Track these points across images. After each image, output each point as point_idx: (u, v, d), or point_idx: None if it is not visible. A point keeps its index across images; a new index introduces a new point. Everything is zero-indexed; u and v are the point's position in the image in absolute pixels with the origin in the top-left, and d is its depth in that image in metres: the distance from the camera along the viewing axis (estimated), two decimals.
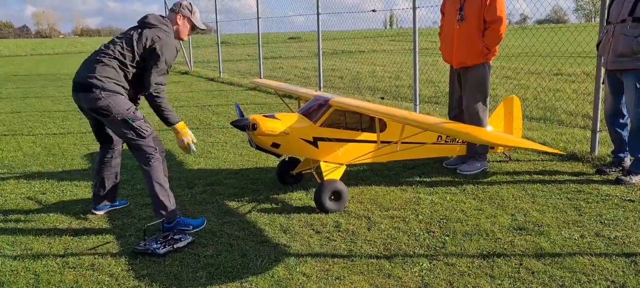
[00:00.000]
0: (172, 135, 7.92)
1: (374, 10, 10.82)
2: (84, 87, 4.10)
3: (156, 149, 4.23)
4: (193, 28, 4.56)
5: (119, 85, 4.13)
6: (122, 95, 4.15)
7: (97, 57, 4.16)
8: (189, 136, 4.41)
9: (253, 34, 15.91)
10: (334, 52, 24.07)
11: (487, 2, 5.42)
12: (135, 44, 4.16)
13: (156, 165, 4.20)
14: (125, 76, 4.18)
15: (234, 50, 31.12)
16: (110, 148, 4.64)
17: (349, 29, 12.96)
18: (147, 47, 4.16)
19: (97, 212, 4.75)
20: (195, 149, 4.49)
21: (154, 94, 4.24)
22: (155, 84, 4.21)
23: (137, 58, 4.18)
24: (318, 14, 11.38)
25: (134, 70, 4.21)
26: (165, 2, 20.46)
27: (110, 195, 4.77)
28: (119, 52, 4.15)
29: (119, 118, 4.11)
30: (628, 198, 4.80)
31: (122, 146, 4.75)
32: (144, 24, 4.28)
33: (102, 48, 4.23)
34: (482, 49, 5.54)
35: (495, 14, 5.43)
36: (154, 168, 4.18)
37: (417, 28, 8.44)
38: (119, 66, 4.14)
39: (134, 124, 4.14)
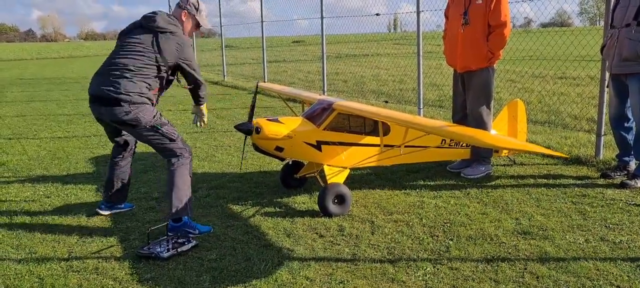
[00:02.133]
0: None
1: (377, 14, 10.85)
2: (109, 101, 4.08)
3: (186, 149, 4.29)
4: (197, 27, 4.52)
5: (144, 96, 4.15)
6: (147, 104, 4.17)
7: (118, 71, 4.10)
8: (205, 116, 4.81)
9: (257, 38, 15.93)
10: (338, 56, 24.09)
11: (492, 6, 5.42)
12: (158, 58, 4.16)
13: (185, 162, 4.26)
14: (149, 87, 4.19)
15: (238, 53, 31.18)
16: (123, 150, 4.68)
17: (352, 32, 12.96)
18: (173, 61, 4.23)
19: (103, 212, 4.77)
20: (200, 125, 4.86)
21: (201, 86, 4.52)
22: (200, 81, 4.47)
23: (160, 68, 4.21)
24: (322, 17, 11.40)
25: (159, 80, 4.26)
26: (169, 7, 20.53)
27: (117, 196, 4.79)
28: (142, 65, 4.12)
29: (148, 126, 4.15)
30: (633, 202, 4.78)
31: (135, 147, 4.78)
32: (156, 29, 4.18)
33: (120, 60, 4.14)
34: (486, 53, 5.53)
35: (500, 18, 5.43)
36: (183, 165, 4.24)
37: (421, 32, 8.44)
38: (142, 79, 4.13)
39: (162, 129, 4.18)
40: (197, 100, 4.63)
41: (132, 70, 4.11)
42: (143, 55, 4.15)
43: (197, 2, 4.43)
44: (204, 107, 4.73)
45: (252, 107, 4.83)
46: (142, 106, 4.11)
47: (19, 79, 21.94)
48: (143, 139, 4.31)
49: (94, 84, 4.22)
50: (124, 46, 4.24)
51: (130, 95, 4.06)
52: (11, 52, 50.08)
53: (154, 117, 4.17)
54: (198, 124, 4.80)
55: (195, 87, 4.48)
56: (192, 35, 4.74)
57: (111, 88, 4.07)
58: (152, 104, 4.25)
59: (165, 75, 4.29)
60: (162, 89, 4.41)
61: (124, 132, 4.55)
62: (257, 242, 4.15)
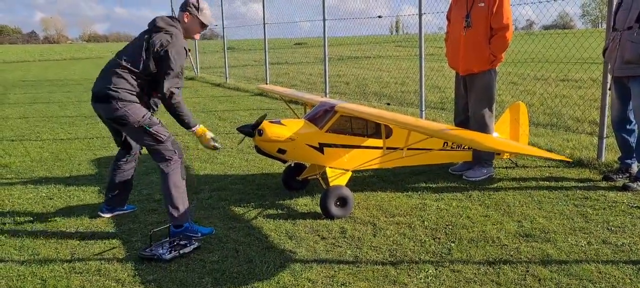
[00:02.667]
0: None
1: (379, 16, 10.84)
2: (101, 98, 4.19)
3: (175, 152, 4.28)
4: (202, 26, 4.48)
5: (133, 94, 4.18)
6: (137, 103, 4.20)
7: (112, 69, 4.21)
8: (209, 137, 4.46)
9: (259, 40, 15.95)
10: (340, 58, 24.07)
11: (494, 9, 5.42)
12: (144, 52, 4.17)
13: (175, 167, 4.24)
14: (140, 85, 4.22)
15: (240, 55, 31.20)
16: (127, 154, 4.72)
17: (355, 34, 12.97)
18: (155, 52, 4.15)
19: (104, 215, 4.80)
20: (220, 146, 4.58)
21: (169, 99, 4.18)
22: (170, 89, 4.14)
23: (148, 65, 4.16)
24: (324, 19, 11.41)
25: (148, 78, 4.23)
26: (172, 8, 20.56)
27: (118, 199, 4.82)
28: (130, 62, 4.18)
29: (136, 125, 4.17)
30: (635, 205, 4.78)
31: (140, 153, 4.80)
32: (153, 28, 4.26)
33: (116, 59, 4.26)
34: (488, 55, 5.54)
35: (502, 21, 5.43)
36: (173, 170, 4.23)
37: (423, 34, 8.44)
38: (131, 77, 4.18)
39: (151, 129, 4.19)
40: (182, 124, 4.35)
41: (124, 67, 4.18)
42: (134, 53, 4.21)
43: (197, 1, 4.41)
44: (199, 132, 4.41)
45: (260, 121, 4.77)
46: (131, 104, 4.15)
47: (22, 80, 21.99)
48: (135, 139, 4.43)
49: (95, 82, 4.33)
50: (124, 47, 4.37)
51: (118, 92, 4.12)
52: (14, 53, 50.19)
53: (144, 116, 4.19)
54: (214, 147, 4.48)
55: (170, 101, 4.18)
56: (195, 39, 4.64)
57: (105, 85, 4.17)
58: (146, 105, 4.29)
59: (153, 71, 4.16)
60: (152, 91, 4.34)
61: (125, 134, 4.58)
62: (259, 244, 4.15)
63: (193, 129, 4.38)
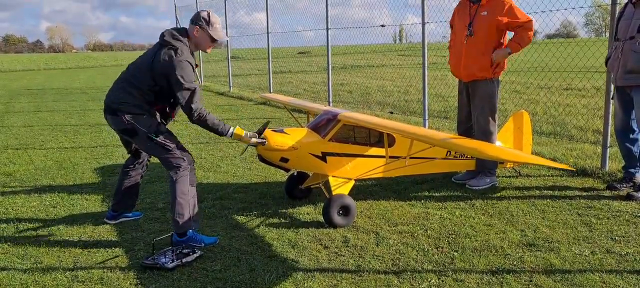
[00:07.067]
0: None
1: (382, 25, 10.85)
2: (112, 110, 4.28)
3: (184, 159, 4.29)
4: (213, 40, 4.40)
5: (141, 108, 4.23)
6: (144, 115, 4.24)
7: (122, 83, 4.31)
8: (248, 137, 4.51)
9: (263, 49, 16.00)
10: (344, 67, 24.12)
11: (513, 12, 5.45)
12: (149, 69, 4.20)
13: (183, 174, 4.25)
14: (148, 100, 4.26)
15: (243, 64, 31.29)
16: (135, 161, 4.78)
17: (358, 43, 13.00)
18: (159, 70, 4.14)
19: (109, 221, 4.84)
20: (263, 140, 4.60)
21: (191, 116, 4.18)
22: (189, 105, 4.12)
23: (153, 82, 4.21)
24: (327, 28, 11.44)
25: (154, 93, 4.26)
26: (176, 18, 20.66)
27: (125, 203, 4.86)
28: (138, 77, 4.24)
29: (144, 136, 4.23)
30: (639, 214, 4.75)
31: (148, 161, 4.83)
32: (163, 43, 4.21)
33: (126, 74, 4.35)
34: (489, 63, 5.56)
35: (525, 15, 5.49)
36: (181, 177, 4.24)
37: (426, 43, 8.46)
38: (138, 91, 4.22)
39: (157, 138, 4.23)
40: (216, 133, 4.35)
41: (131, 83, 4.26)
42: (141, 68, 4.27)
43: (208, 15, 4.32)
44: (237, 134, 4.41)
45: (263, 129, 4.77)
46: (139, 116, 4.22)
47: (27, 89, 22.08)
48: (144, 148, 4.48)
49: (108, 93, 4.42)
50: (137, 60, 4.43)
51: (126, 105, 4.21)
52: (19, 62, 50.48)
53: (150, 126, 4.24)
54: (259, 144, 4.56)
55: (195, 120, 4.20)
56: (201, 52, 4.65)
57: (114, 99, 4.28)
58: (154, 116, 4.33)
59: (160, 89, 4.23)
60: (167, 106, 4.41)
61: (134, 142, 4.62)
62: (262, 253, 4.15)
63: (228, 134, 4.36)
